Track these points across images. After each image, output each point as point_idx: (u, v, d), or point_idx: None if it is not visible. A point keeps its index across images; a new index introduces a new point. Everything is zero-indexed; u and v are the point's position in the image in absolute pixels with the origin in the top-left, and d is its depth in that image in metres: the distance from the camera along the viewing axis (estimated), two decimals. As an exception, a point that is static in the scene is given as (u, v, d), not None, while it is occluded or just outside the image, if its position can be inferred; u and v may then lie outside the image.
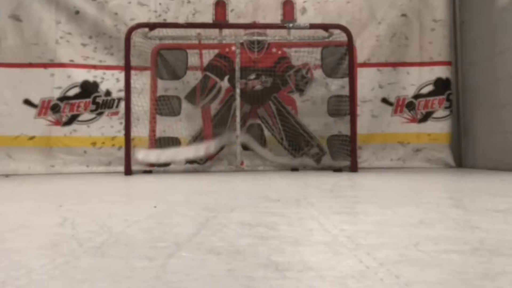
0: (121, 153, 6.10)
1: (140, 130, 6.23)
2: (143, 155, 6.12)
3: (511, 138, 5.65)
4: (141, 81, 6.39)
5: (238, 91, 6.39)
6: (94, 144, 6.58)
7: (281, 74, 6.66)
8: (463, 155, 6.89)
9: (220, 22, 6.58)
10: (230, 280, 1.08)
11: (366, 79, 6.73)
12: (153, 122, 6.48)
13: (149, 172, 6.15)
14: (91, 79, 6.63)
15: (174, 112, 6.62)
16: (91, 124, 6.62)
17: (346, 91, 6.30)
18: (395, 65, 6.85)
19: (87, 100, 6.63)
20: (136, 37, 6.19)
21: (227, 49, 6.65)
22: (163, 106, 6.59)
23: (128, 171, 5.80)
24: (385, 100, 6.86)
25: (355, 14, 6.80)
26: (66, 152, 6.52)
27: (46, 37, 6.57)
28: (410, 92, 6.89)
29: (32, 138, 6.47)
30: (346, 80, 6.28)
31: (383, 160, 6.79)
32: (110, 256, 1.34)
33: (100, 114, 6.65)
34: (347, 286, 1.03)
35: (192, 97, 6.60)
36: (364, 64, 6.78)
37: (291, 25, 6.28)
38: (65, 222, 1.96)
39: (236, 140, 6.35)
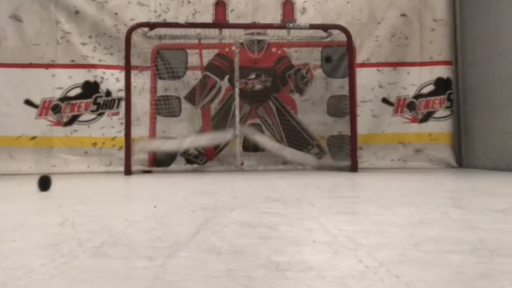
0: (121, 154, 6.11)
1: (140, 131, 6.22)
2: (143, 145, 6.09)
3: (511, 138, 5.64)
4: (141, 80, 6.38)
5: (237, 90, 6.40)
6: (94, 144, 6.59)
7: (281, 73, 6.67)
8: (463, 155, 6.86)
9: (220, 22, 6.58)
10: (230, 280, 1.08)
11: (365, 79, 6.69)
12: (153, 122, 6.47)
13: (149, 172, 6.16)
14: (91, 79, 6.63)
15: (174, 112, 6.59)
16: (91, 125, 6.62)
17: (346, 91, 6.28)
18: (395, 65, 6.82)
19: (88, 100, 6.64)
20: (136, 37, 6.18)
21: (227, 49, 6.65)
22: (163, 106, 6.56)
23: (128, 171, 5.81)
24: (385, 100, 6.84)
25: (355, 14, 6.78)
26: (67, 152, 6.53)
27: (47, 37, 6.57)
28: (410, 92, 6.85)
29: (33, 138, 6.49)
30: (346, 80, 6.25)
31: (383, 160, 6.75)
32: (110, 256, 1.34)
33: (101, 114, 6.65)
34: (347, 286, 1.03)
35: (191, 97, 6.60)
36: (364, 64, 6.75)
37: (291, 25, 6.27)
38: (65, 222, 1.95)
39: (236, 140, 6.36)
